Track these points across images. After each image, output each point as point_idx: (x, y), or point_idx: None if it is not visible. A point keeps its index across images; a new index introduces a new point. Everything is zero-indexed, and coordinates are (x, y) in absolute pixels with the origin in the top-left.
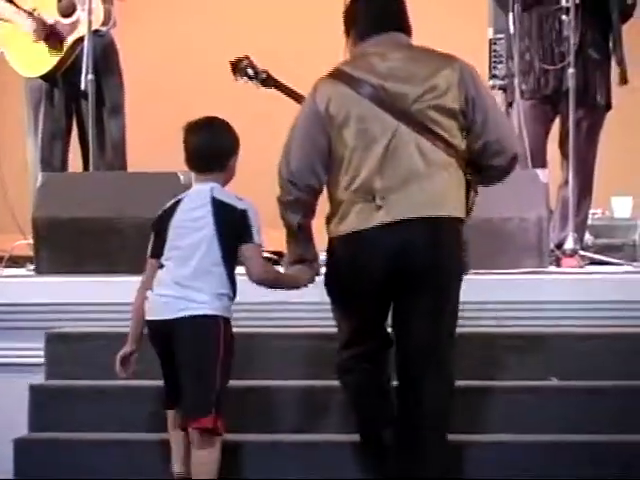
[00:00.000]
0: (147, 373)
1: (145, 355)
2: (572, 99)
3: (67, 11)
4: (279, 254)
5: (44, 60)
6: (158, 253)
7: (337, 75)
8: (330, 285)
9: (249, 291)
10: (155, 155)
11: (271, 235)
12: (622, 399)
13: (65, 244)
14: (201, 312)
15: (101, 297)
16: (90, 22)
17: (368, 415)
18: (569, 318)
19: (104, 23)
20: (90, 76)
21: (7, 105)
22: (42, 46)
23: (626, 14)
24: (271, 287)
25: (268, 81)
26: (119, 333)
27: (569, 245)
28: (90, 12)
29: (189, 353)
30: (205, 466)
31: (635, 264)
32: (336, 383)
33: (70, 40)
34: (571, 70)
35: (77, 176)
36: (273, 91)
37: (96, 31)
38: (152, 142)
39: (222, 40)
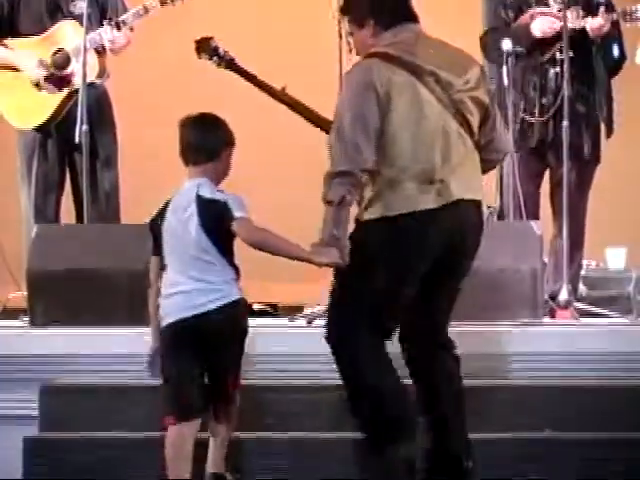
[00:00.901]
0: (139, 425)
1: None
2: (566, 152)
3: (62, 64)
4: (274, 306)
5: (38, 111)
6: (158, 252)
7: (390, 58)
8: (374, 266)
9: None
10: (148, 206)
11: (264, 287)
12: (618, 450)
13: (59, 296)
14: (228, 300)
15: (96, 349)
16: (85, 74)
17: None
18: (563, 370)
19: (99, 75)
20: (84, 127)
21: (0, 156)
22: (36, 97)
23: (614, 68)
24: (271, 252)
25: (231, 64)
26: (114, 385)
27: (563, 297)
28: (85, 64)
29: (231, 339)
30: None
31: (629, 316)
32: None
33: (65, 92)
34: (565, 123)
35: (71, 228)
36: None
37: (90, 83)
38: (146, 193)
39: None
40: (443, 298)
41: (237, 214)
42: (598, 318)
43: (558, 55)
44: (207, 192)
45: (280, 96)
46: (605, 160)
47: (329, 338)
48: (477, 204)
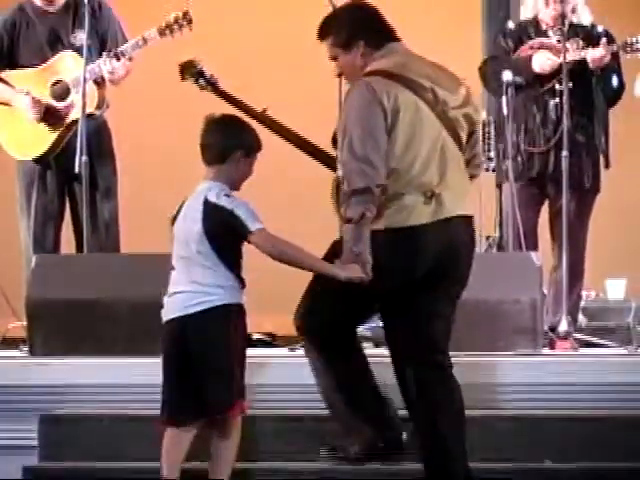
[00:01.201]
0: (139, 455)
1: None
2: (565, 182)
3: (61, 95)
4: (272, 336)
5: (37, 143)
6: None
7: (392, 76)
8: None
9: None
10: (148, 236)
11: (260, 319)
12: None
13: (59, 326)
14: (211, 305)
15: (95, 379)
16: (84, 105)
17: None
18: (563, 400)
19: (98, 106)
20: (84, 158)
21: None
22: (35, 129)
23: (613, 99)
24: (292, 264)
25: (215, 87)
26: (113, 415)
27: (563, 328)
28: (84, 95)
29: (206, 346)
30: (231, 450)
31: (629, 347)
32: None
33: (65, 123)
34: (565, 153)
35: (71, 258)
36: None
37: (90, 114)
38: (145, 223)
39: None
40: (439, 317)
41: (254, 227)
42: (598, 349)
43: (558, 86)
44: (214, 196)
45: (261, 118)
46: (605, 191)
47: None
48: (469, 220)
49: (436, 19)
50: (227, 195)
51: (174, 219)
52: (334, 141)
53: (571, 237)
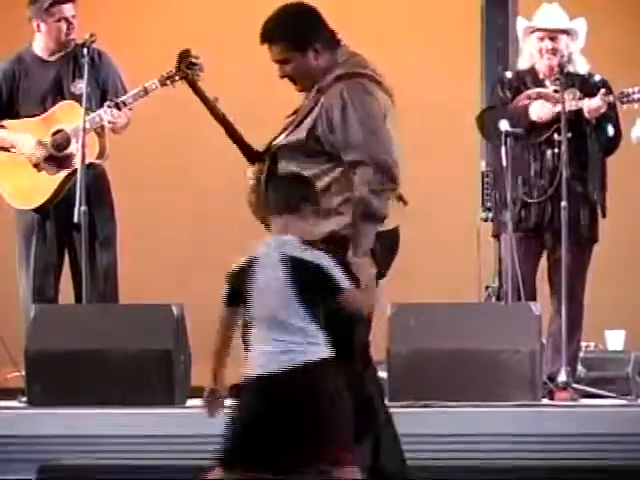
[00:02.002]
0: None
1: None
2: (564, 233)
3: (62, 144)
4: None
5: (37, 192)
6: (233, 303)
7: (374, 80)
8: None
9: None
10: (148, 286)
11: None
12: None
13: (58, 376)
14: (306, 359)
15: (94, 429)
16: (83, 155)
17: None
18: (563, 451)
19: (99, 156)
20: (83, 208)
21: None
22: (35, 178)
23: (609, 147)
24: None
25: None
26: (111, 465)
27: (562, 378)
28: (83, 145)
29: (304, 401)
30: None
31: (628, 397)
32: None
33: (64, 173)
34: (564, 204)
35: (69, 308)
36: None
37: (90, 164)
38: (145, 273)
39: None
40: None
41: (344, 284)
42: (597, 399)
43: (556, 136)
44: (294, 249)
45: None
46: (605, 242)
47: None
48: None
49: (434, 69)
50: (307, 248)
51: (235, 274)
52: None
53: (570, 288)
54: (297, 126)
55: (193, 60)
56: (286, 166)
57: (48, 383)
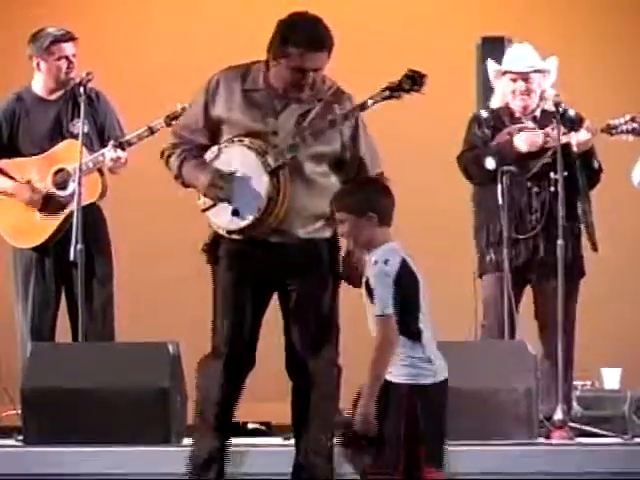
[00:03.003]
0: None
1: None
2: (560, 270)
3: (63, 183)
4: (267, 425)
5: (37, 232)
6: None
7: None
8: None
9: None
10: (145, 323)
11: (255, 407)
12: None
13: (54, 414)
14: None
15: (90, 468)
16: (80, 192)
17: None
18: None
19: (101, 196)
20: (80, 246)
21: None
22: (35, 218)
23: (594, 179)
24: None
25: None
26: None
27: (558, 416)
28: (80, 183)
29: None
30: None
31: (625, 436)
32: None
33: (66, 212)
34: (560, 242)
35: (66, 346)
36: None
37: (90, 203)
38: (142, 310)
39: None
40: None
41: (377, 309)
42: (594, 438)
43: (552, 175)
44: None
45: None
46: (601, 279)
47: None
48: None
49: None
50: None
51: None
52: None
53: (564, 321)
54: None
55: None
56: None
57: (44, 421)
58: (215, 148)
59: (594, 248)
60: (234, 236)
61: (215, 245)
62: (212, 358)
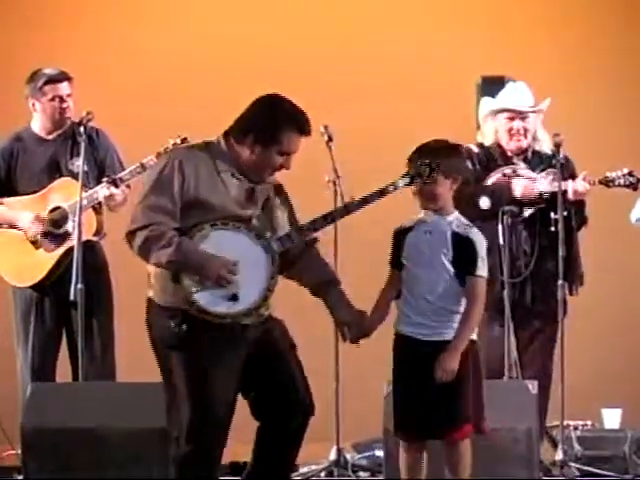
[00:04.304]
0: None
1: None
2: (560, 311)
3: (59, 221)
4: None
5: (35, 269)
6: None
7: None
8: None
9: None
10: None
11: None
12: None
13: (54, 454)
14: None
15: None
16: (80, 232)
17: None
18: None
19: (96, 233)
20: (80, 286)
21: None
22: (33, 255)
23: (581, 225)
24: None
25: None
26: None
27: (559, 457)
28: (80, 223)
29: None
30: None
31: (626, 476)
32: None
33: (61, 250)
34: (560, 282)
35: (66, 386)
36: None
37: (87, 241)
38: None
39: None
40: None
41: None
42: (594, 478)
43: (553, 214)
44: None
45: None
46: (597, 320)
47: None
48: None
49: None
50: None
51: None
52: None
53: (538, 365)
54: None
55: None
56: None
57: (44, 461)
58: (205, 231)
59: (572, 292)
60: (224, 320)
61: (192, 329)
62: None
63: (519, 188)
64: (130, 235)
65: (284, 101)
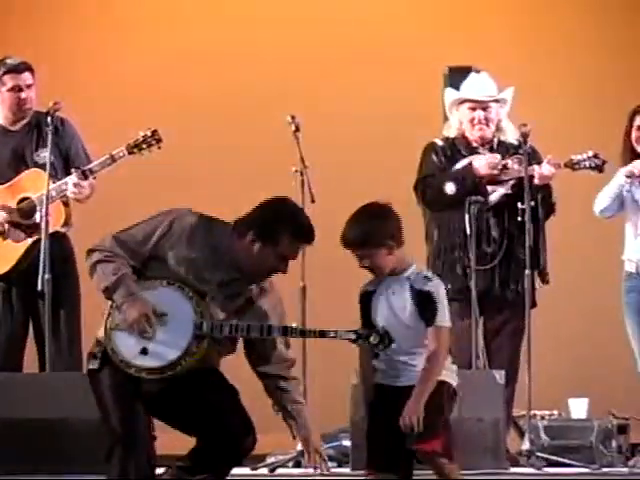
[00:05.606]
0: None
1: None
2: (527, 301)
3: (28, 212)
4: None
5: (2, 260)
6: None
7: None
8: None
9: None
10: None
11: None
12: None
13: (20, 445)
14: None
15: None
16: (47, 223)
17: None
18: None
19: (64, 224)
20: (47, 276)
21: None
22: (0, 246)
23: (549, 213)
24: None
25: None
26: None
27: (525, 447)
28: (47, 213)
29: None
30: None
31: (592, 466)
32: None
33: (30, 241)
34: (527, 271)
35: (32, 376)
36: None
37: (55, 232)
38: None
39: None
40: None
41: None
42: (561, 468)
43: (520, 204)
44: None
45: None
46: (565, 310)
47: None
48: None
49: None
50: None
51: None
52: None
53: (505, 355)
54: None
55: (157, 137)
56: None
57: (10, 452)
58: (156, 283)
59: (545, 281)
60: (127, 369)
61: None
62: None
63: (482, 165)
64: (89, 252)
65: (291, 205)
